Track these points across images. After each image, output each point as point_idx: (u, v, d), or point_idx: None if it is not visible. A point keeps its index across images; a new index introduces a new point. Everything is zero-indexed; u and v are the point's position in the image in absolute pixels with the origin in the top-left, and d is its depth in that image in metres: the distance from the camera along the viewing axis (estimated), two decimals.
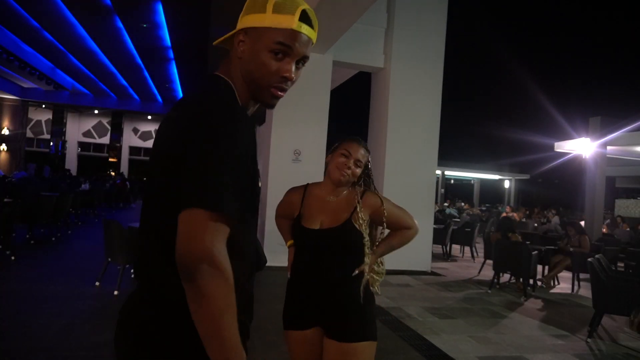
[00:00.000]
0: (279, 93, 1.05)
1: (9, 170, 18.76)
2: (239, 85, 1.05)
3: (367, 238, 1.79)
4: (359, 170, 1.85)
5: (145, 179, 1.02)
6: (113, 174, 20.36)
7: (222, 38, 1.08)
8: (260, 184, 1.09)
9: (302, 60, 1.06)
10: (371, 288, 1.82)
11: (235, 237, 0.93)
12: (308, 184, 1.98)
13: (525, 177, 28.47)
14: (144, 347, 0.98)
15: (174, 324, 0.95)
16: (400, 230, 1.90)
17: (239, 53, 1.04)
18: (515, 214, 14.20)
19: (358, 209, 1.81)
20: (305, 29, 1.02)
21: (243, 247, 1.02)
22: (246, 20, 1.03)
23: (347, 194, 1.88)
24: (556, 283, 7.18)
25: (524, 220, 15.20)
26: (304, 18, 1.02)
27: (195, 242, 0.85)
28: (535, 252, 6.43)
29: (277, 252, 6.96)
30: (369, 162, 1.94)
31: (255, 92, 1.06)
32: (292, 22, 1.00)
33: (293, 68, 1.04)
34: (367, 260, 1.79)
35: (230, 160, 0.90)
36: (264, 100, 1.07)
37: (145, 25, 11.82)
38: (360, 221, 1.79)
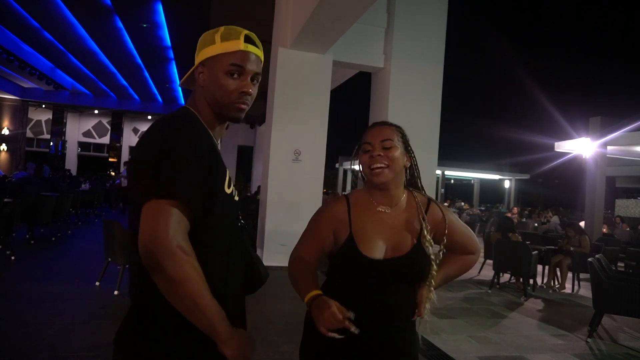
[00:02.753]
0: (243, 106, 1.18)
1: (9, 170, 18.76)
2: (204, 111, 1.18)
3: (435, 267, 1.40)
4: (396, 152, 1.38)
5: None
6: (113, 174, 20.35)
7: (185, 77, 1.23)
8: (228, 189, 1.16)
9: (255, 77, 1.20)
10: (418, 330, 1.48)
11: (204, 234, 1.04)
12: (346, 194, 1.50)
13: (525, 177, 28.47)
14: (121, 353, 1.07)
15: (146, 328, 1.05)
16: (461, 256, 1.50)
17: (200, 82, 1.18)
18: (511, 213, 14.19)
19: (424, 228, 1.40)
20: (251, 48, 1.17)
21: (216, 246, 1.10)
22: (201, 55, 1.18)
23: (405, 201, 1.44)
24: (556, 284, 7.17)
25: (523, 220, 15.21)
26: (248, 40, 1.18)
27: (151, 233, 0.93)
28: (535, 252, 6.43)
29: (277, 252, 6.99)
30: (408, 142, 1.47)
31: (220, 112, 1.18)
32: (239, 45, 1.16)
33: (249, 83, 1.18)
34: (432, 296, 1.41)
35: (181, 158, 1.00)
36: (230, 115, 1.19)
37: (145, 25, 11.81)
38: (428, 244, 1.39)
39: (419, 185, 1.50)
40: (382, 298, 1.34)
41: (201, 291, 0.96)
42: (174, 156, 1.00)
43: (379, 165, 1.36)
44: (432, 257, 1.39)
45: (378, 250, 1.36)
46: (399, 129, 1.46)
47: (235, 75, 1.16)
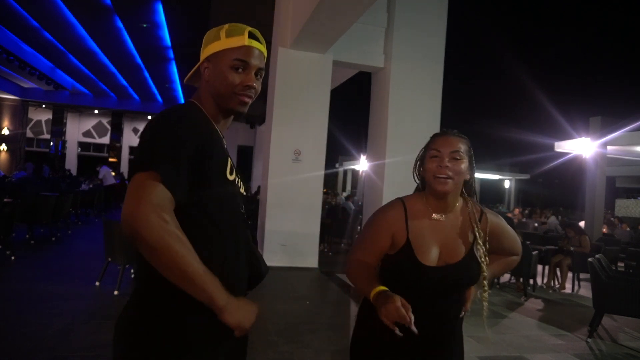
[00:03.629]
0: (246, 99, 1.22)
1: (9, 170, 18.76)
2: (208, 105, 1.22)
3: (486, 272, 1.46)
4: (463, 165, 1.42)
5: None
6: (113, 174, 20.32)
7: (190, 73, 1.27)
8: (231, 176, 1.18)
9: (258, 72, 1.24)
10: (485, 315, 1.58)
11: (204, 214, 1.08)
12: (401, 199, 1.52)
13: (526, 177, 28.47)
14: (122, 346, 1.07)
15: (152, 323, 1.05)
16: (506, 257, 1.58)
17: (205, 77, 1.22)
18: (513, 213, 14.17)
19: (477, 235, 1.45)
20: (255, 44, 1.22)
21: (221, 228, 1.12)
22: (207, 51, 1.23)
23: (460, 209, 1.49)
24: (556, 284, 7.16)
25: (523, 220, 15.20)
26: (252, 36, 1.22)
27: (130, 203, 0.95)
28: (536, 252, 6.43)
29: (277, 252, 7.00)
30: (472, 154, 1.49)
31: (224, 105, 1.22)
32: (243, 40, 1.20)
33: (253, 77, 1.22)
34: (485, 296, 1.52)
35: (165, 138, 1.04)
36: (233, 107, 1.22)
37: (145, 25, 11.81)
38: (482, 251, 1.44)
39: (474, 195, 1.55)
40: (435, 303, 1.41)
41: (185, 258, 0.95)
42: (160, 135, 1.05)
43: (444, 175, 1.40)
44: (484, 264, 1.44)
45: (433, 257, 1.41)
46: (467, 141, 1.50)
47: (240, 70, 1.20)
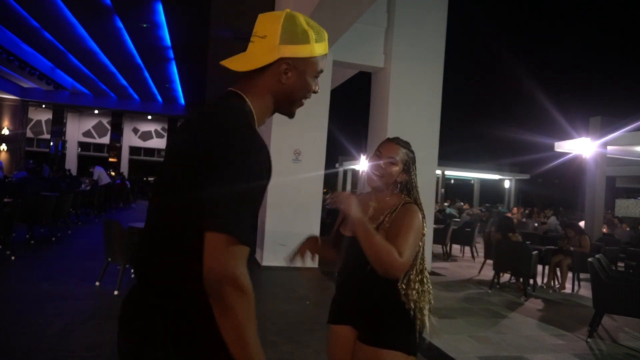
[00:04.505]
0: (303, 102, 1.22)
1: (9, 170, 18.75)
2: (264, 103, 1.15)
3: (374, 225, 1.72)
4: (394, 169, 1.72)
5: (157, 180, 1.16)
6: (113, 174, 20.31)
7: (262, 64, 1.12)
8: None
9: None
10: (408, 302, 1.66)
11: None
12: (361, 193, 1.94)
13: (525, 177, 28.47)
14: (157, 354, 1.01)
15: (188, 335, 1.01)
16: (389, 246, 1.61)
17: (282, 78, 1.13)
18: (512, 213, 14.18)
19: (390, 214, 1.69)
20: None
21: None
22: (289, 51, 1.11)
23: (389, 200, 1.76)
24: (556, 284, 7.16)
25: (523, 220, 15.20)
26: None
27: (223, 266, 0.93)
28: (536, 252, 6.43)
29: (277, 252, 6.99)
30: (410, 162, 1.76)
31: (285, 107, 1.19)
32: (326, 48, 1.18)
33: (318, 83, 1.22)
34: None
35: (251, 189, 0.98)
36: (292, 112, 1.22)
37: (145, 25, 11.82)
38: (386, 225, 1.68)
39: (416, 196, 1.76)
40: (356, 265, 1.68)
41: (251, 329, 0.97)
42: (248, 190, 0.98)
43: (377, 172, 1.73)
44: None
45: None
46: (409, 152, 1.77)
47: (316, 78, 1.20)
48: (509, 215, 13.78)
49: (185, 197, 1.00)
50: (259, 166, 1.00)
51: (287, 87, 1.14)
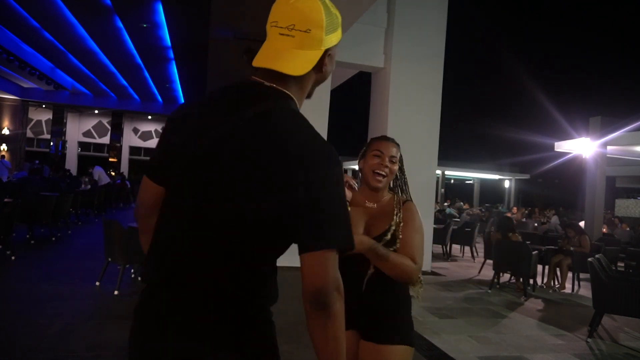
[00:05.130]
0: None
1: (9, 170, 18.75)
2: (302, 97, 1.13)
3: (387, 237, 1.70)
4: (396, 167, 1.77)
5: (195, 181, 1.02)
6: (113, 174, 20.30)
7: (313, 65, 1.06)
8: None
9: None
10: (411, 293, 1.77)
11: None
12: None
13: (525, 177, 28.49)
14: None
15: (265, 344, 1.05)
16: (404, 257, 1.67)
17: (323, 69, 1.11)
18: (511, 212, 14.17)
19: (397, 218, 1.73)
20: None
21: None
22: (329, 41, 1.08)
23: (388, 200, 1.79)
24: (556, 283, 7.16)
25: (523, 220, 15.20)
26: None
27: (330, 278, 0.96)
28: (535, 252, 6.43)
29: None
30: (401, 160, 1.85)
31: (308, 96, 1.17)
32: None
33: None
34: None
35: (345, 203, 1.01)
36: (312, 94, 1.19)
37: (145, 25, 11.81)
38: (399, 229, 1.71)
39: (406, 191, 1.85)
40: (360, 266, 1.68)
41: (343, 332, 0.99)
42: (340, 191, 0.99)
43: (382, 172, 1.73)
44: (392, 229, 1.70)
45: (357, 232, 1.66)
46: (399, 149, 1.83)
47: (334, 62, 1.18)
48: (509, 215, 13.78)
49: (271, 211, 0.97)
50: (342, 185, 1.01)
51: (322, 74, 1.13)
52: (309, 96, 1.18)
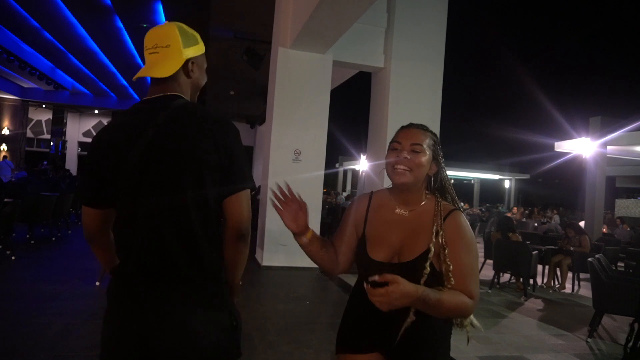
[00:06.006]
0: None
1: (12, 170, 18.75)
2: (187, 94, 1.42)
3: (427, 270, 1.31)
4: (423, 158, 1.37)
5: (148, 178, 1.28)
6: None
7: (176, 69, 1.35)
8: None
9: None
10: (459, 327, 1.44)
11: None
12: (373, 191, 1.51)
13: (525, 177, 28.49)
14: (220, 311, 1.29)
15: (223, 286, 1.32)
16: (457, 293, 1.28)
17: (191, 74, 1.41)
18: (511, 212, 14.17)
19: (439, 238, 1.33)
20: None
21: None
22: (190, 52, 1.38)
23: (427, 206, 1.40)
24: (556, 283, 7.16)
25: (523, 220, 15.20)
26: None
27: (247, 212, 1.31)
28: (536, 252, 6.43)
29: (277, 252, 6.99)
30: (438, 149, 1.43)
31: (194, 97, 1.47)
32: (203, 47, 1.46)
33: None
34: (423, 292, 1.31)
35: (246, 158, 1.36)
36: (195, 101, 1.48)
37: (145, 26, 11.81)
38: (441, 254, 1.32)
39: (454, 196, 1.47)
40: (394, 316, 1.27)
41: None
42: (241, 145, 1.34)
43: (402, 167, 1.36)
44: (447, 263, 1.31)
45: (385, 253, 1.36)
46: (433, 136, 1.43)
47: (205, 71, 1.51)
48: (509, 215, 13.77)
49: (199, 179, 1.25)
50: (241, 142, 1.36)
51: (194, 80, 1.43)
52: (194, 102, 1.45)
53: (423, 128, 1.43)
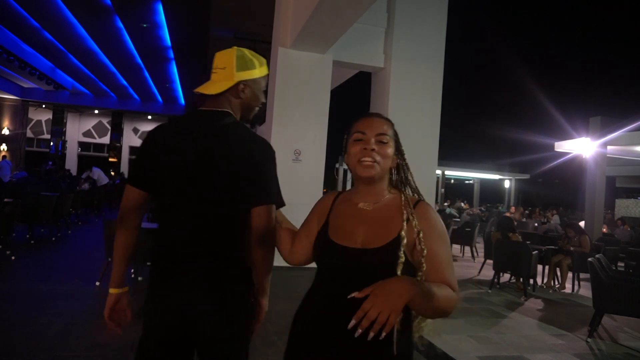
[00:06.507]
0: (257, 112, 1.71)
1: (11, 169, 18.76)
2: (237, 113, 1.60)
3: (402, 258, 1.19)
4: (389, 150, 1.30)
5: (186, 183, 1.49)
6: (113, 173, 20.31)
7: (224, 89, 1.55)
8: None
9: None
10: (415, 337, 1.30)
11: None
12: (341, 191, 1.46)
13: (526, 177, 28.47)
14: (244, 303, 1.53)
15: (248, 283, 1.55)
16: (442, 286, 1.17)
17: (241, 95, 1.58)
18: (510, 212, 14.19)
19: (410, 218, 1.24)
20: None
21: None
22: (243, 75, 1.56)
23: (390, 200, 1.32)
24: (556, 283, 7.16)
25: (523, 220, 15.21)
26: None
27: (267, 223, 1.47)
28: (536, 252, 6.43)
29: (276, 252, 6.99)
30: (397, 138, 1.37)
31: (246, 118, 1.64)
32: (266, 70, 1.65)
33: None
34: (423, 326, 1.28)
35: (276, 175, 1.55)
36: (249, 119, 1.67)
37: (145, 25, 11.82)
38: (417, 241, 1.22)
39: (415, 187, 1.40)
40: (351, 289, 1.09)
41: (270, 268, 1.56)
42: (273, 166, 1.54)
43: (369, 159, 1.27)
44: (423, 251, 1.20)
45: (350, 241, 1.26)
46: (392, 125, 1.37)
47: (264, 92, 1.68)
48: (507, 214, 13.79)
49: (233, 189, 1.46)
50: (273, 162, 1.56)
51: (244, 100, 1.59)
52: (248, 120, 1.66)
53: (385, 118, 1.36)
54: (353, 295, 1.03)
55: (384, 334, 1.00)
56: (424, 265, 1.20)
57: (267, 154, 1.51)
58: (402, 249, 1.19)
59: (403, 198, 1.31)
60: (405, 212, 1.26)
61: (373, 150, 1.27)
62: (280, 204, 1.50)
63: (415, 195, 1.38)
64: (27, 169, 17.46)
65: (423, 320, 1.31)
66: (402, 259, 1.18)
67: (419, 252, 1.21)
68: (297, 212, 1.44)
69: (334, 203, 1.41)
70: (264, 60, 1.63)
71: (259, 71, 1.60)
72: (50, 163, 18.33)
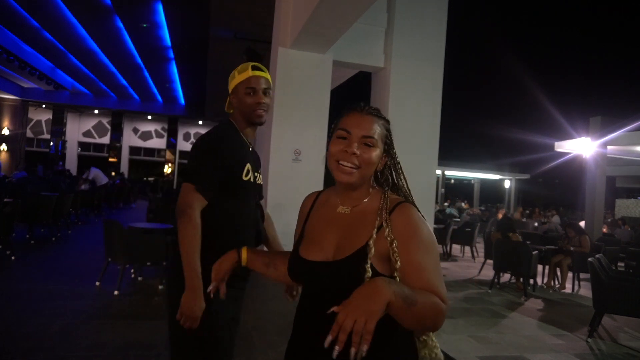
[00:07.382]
0: (261, 112, 1.79)
1: (9, 170, 18.75)
2: (240, 122, 1.81)
3: (368, 272, 1.05)
4: (374, 153, 1.15)
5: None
6: (113, 174, 20.30)
7: (226, 107, 1.86)
8: (246, 177, 1.75)
9: (265, 91, 1.79)
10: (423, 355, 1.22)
11: (214, 210, 1.66)
12: (323, 190, 1.33)
13: (526, 177, 28.47)
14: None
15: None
16: (431, 297, 1.01)
17: (234, 104, 1.80)
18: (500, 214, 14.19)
19: (386, 230, 1.09)
20: (257, 72, 1.78)
21: (221, 220, 1.69)
22: (230, 86, 1.80)
23: (368, 202, 1.18)
24: (556, 283, 7.16)
25: (523, 220, 15.21)
26: (255, 68, 1.78)
27: (181, 201, 1.61)
28: (536, 252, 6.43)
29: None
30: (390, 138, 1.22)
31: (249, 120, 1.79)
32: (248, 73, 1.77)
33: (262, 96, 1.77)
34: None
35: (204, 156, 1.66)
36: (254, 120, 1.79)
37: (145, 25, 11.82)
38: (390, 251, 1.08)
39: (405, 190, 1.24)
40: (321, 307, 1.01)
41: (191, 245, 1.57)
42: (201, 154, 1.67)
43: (349, 164, 1.13)
44: (396, 262, 1.06)
45: (318, 254, 1.15)
46: (386, 123, 1.21)
47: (252, 93, 1.76)
48: (499, 215, 13.79)
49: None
50: (201, 151, 1.69)
51: (238, 108, 1.79)
52: (254, 122, 1.80)
53: (377, 114, 1.20)
54: (332, 309, 0.91)
55: (365, 346, 0.85)
56: (398, 279, 1.05)
57: (195, 144, 1.72)
58: (368, 261, 1.05)
59: (382, 200, 1.16)
60: (378, 218, 1.12)
61: (354, 154, 1.13)
62: (197, 183, 1.63)
63: (401, 195, 1.22)
64: (27, 169, 17.43)
65: (430, 338, 1.21)
66: (369, 274, 1.04)
67: (393, 264, 1.06)
68: (297, 212, 1.41)
69: (312, 207, 1.29)
70: (245, 65, 1.79)
71: (237, 79, 1.78)
72: (60, 163, 18.32)
